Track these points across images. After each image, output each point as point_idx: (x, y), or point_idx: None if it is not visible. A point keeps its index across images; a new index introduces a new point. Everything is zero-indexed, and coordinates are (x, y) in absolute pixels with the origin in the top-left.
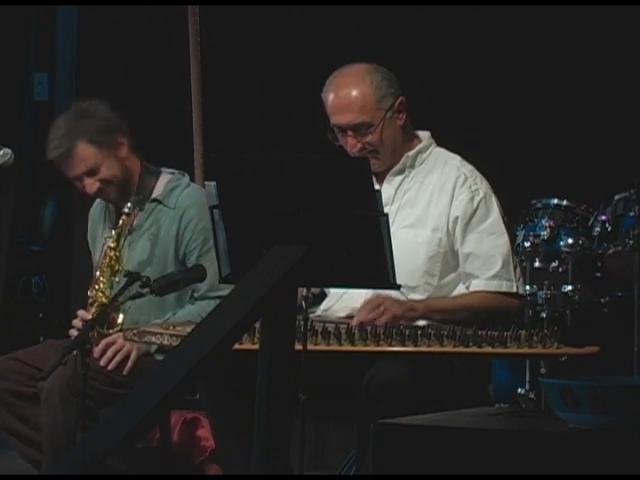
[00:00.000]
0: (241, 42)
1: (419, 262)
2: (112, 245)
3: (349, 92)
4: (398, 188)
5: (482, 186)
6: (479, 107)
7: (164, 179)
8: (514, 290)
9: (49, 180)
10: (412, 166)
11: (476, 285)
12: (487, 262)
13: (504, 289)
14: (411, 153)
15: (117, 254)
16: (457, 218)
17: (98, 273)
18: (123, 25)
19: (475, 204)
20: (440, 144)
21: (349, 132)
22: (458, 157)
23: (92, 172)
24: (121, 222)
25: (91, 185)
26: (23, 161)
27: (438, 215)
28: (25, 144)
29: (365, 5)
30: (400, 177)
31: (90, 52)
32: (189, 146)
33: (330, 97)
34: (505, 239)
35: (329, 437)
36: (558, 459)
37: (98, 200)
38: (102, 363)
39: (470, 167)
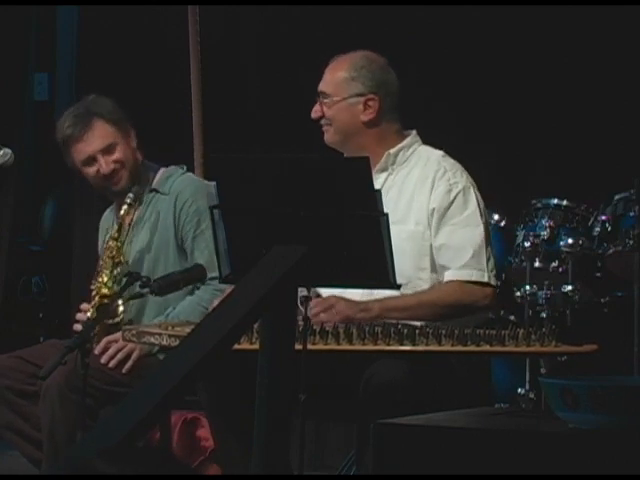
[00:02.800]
0: (241, 42)
1: (407, 257)
2: (114, 235)
3: (335, 66)
4: (382, 186)
5: (461, 179)
6: (479, 107)
7: (161, 172)
8: (485, 279)
9: (49, 180)
10: (394, 163)
11: (448, 276)
12: (458, 252)
13: (474, 278)
14: (392, 151)
15: (118, 245)
16: (434, 210)
17: (100, 264)
18: (123, 25)
19: (452, 196)
20: (440, 144)
21: (320, 97)
22: (441, 152)
23: (108, 150)
24: (122, 212)
25: (107, 164)
26: (23, 161)
27: (419, 209)
28: (25, 144)
29: (365, 5)
30: (384, 175)
31: (90, 52)
32: (189, 146)
33: None
34: (479, 231)
35: (329, 437)
36: (558, 459)
37: (108, 210)
38: (103, 360)
39: (452, 161)
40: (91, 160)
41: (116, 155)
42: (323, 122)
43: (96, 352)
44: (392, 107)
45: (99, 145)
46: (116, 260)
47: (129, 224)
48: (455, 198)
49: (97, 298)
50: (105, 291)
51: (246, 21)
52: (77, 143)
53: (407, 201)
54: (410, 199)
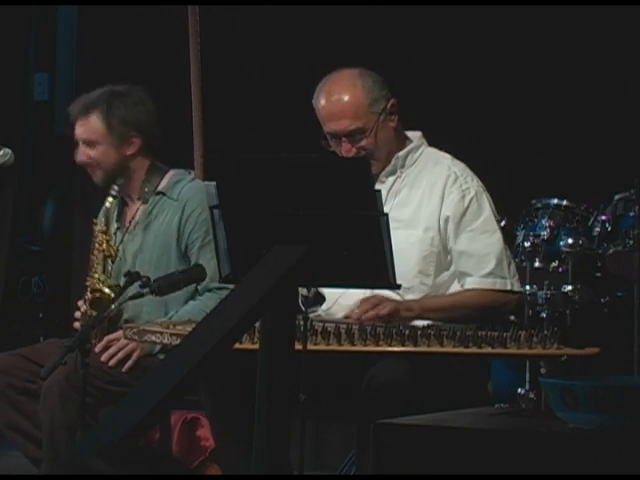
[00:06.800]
0: (241, 42)
1: (412, 262)
2: (102, 229)
3: (341, 98)
4: (390, 189)
5: (473, 184)
6: (479, 107)
7: (170, 175)
8: (508, 287)
9: (49, 180)
10: (403, 166)
11: (470, 283)
12: (481, 260)
13: (498, 287)
14: (401, 154)
15: (107, 238)
16: (448, 217)
17: (92, 258)
18: (123, 25)
19: (466, 203)
20: (440, 144)
21: (343, 138)
22: (449, 156)
23: (89, 144)
24: (108, 204)
25: (81, 154)
26: (23, 161)
27: (429, 215)
28: (25, 144)
29: (366, 5)
30: (392, 178)
31: (90, 52)
32: (189, 146)
33: (321, 104)
34: (498, 236)
35: (329, 437)
36: (558, 459)
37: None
38: (103, 359)
39: (461, 165)
40: (76, 144)
41: (93, 152)
42: (362, 154)
43: (96, 350)
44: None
45: (81, 135)
46: (106, 254)
47: (130, 221)
48: (469, 204)
49: (89, 293)
50: (98, 286)
51: (246, 21)
52: (74, 122)
53: (416, 206)
54: (419, 203)
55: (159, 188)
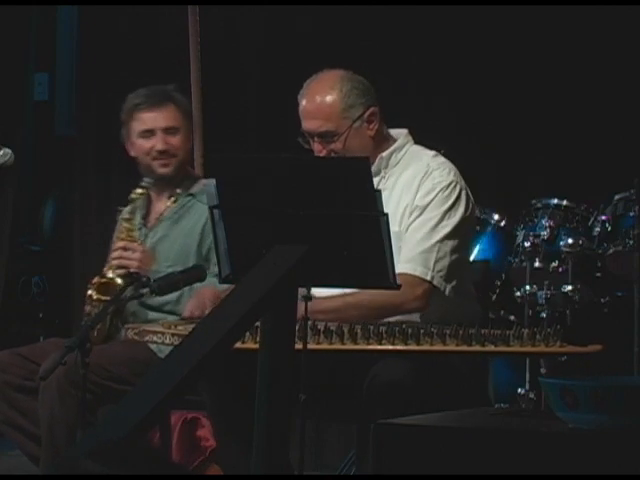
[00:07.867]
0: (241, 42)
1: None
2: (126, 216)
3: (318, 99)
4: None
5: (448, 178)
6: (479, 107)
7: (203, 181)
8: (426, 277)
9: (49, 180)
10: (386, 167)
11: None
12: (414, 246)
13: (417, 273)
14: (385, 154)
15: (130, 227)
16: (416, 207)
17: (112, 247)
18: (123, 25)
19: (434, 194)
20: (440, 144)
21: (315, 138)
22: (432, 152)
23: (170, 131)
24: (134, 195)
25: (163, 142)
26: (23, 161)
27: (406, 210)
28: (25, 144)
29: (366, 5)
30: (376, 179)
31: (90, 52)
32: None
33: (302, 102)
34: (445, 232)
35: (329, 437)
36: (558, 459)
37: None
38: None
39: (441, 160)
40: (149, 134)
41: (174, 141)
42: (334, 155)
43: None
44: (381, 110)
45: (163, 123)
46: (133, 241)
47: (156, 218)
48: (436, 196)
49: (97, 278)
50: (110, 273)
51: (246, 21)
52: (144, 112)
53: (395, 203)
54: (398, 201)
55: (191, 190)
